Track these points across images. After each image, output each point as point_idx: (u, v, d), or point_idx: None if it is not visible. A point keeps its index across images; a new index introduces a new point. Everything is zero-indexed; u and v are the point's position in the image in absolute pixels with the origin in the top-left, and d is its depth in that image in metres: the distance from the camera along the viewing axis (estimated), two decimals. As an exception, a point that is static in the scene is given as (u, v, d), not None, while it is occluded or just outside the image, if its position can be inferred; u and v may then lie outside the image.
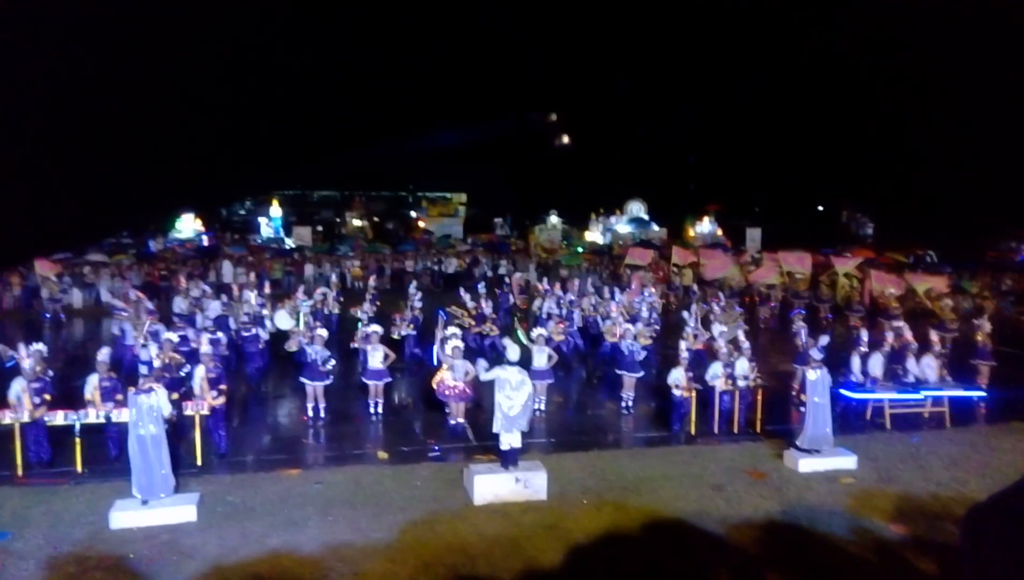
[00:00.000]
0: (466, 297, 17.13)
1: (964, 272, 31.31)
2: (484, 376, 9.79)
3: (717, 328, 15.43)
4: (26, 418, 9.74)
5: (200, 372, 10.54)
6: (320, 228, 50.46)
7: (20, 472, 9.76)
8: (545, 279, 21.92)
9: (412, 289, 18.14)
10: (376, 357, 12.70)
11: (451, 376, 11.71)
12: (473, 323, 16.52)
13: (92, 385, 10.04)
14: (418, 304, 17.17)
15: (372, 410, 12.71)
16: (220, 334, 13.78)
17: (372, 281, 21.88)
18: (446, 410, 12.17)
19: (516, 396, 9.41)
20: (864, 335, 13.84)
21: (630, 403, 13.41)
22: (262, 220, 49.95)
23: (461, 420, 12.06)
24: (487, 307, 16.88)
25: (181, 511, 8.45)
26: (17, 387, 9.87)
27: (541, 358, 12.89)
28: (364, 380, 12.87)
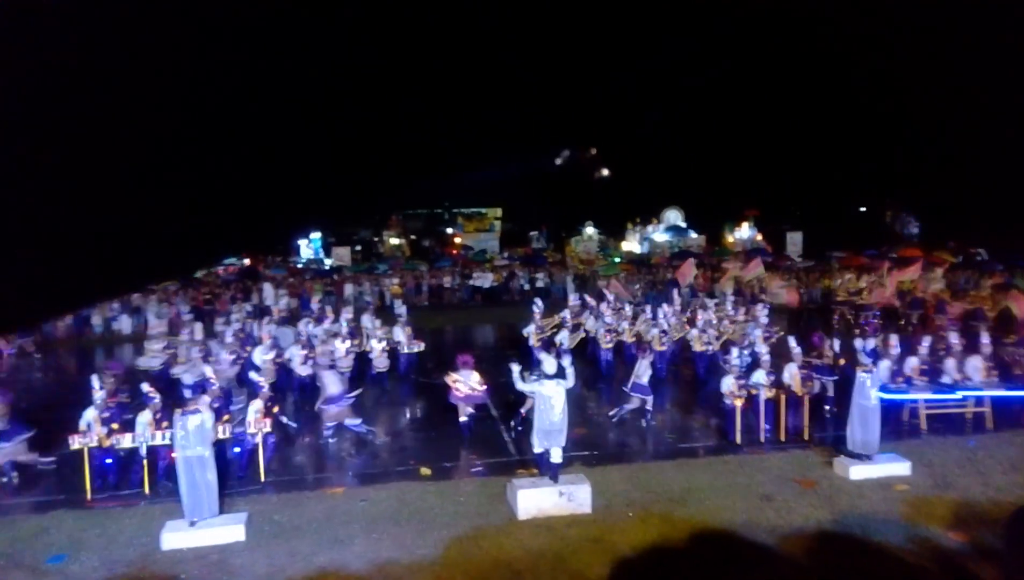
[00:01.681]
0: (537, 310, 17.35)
1: (1016, 269, 30.38)
2: (521, 386, 9.75)
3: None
4: (94, 443, 10.10)
5: (257, 404, 10.86)
6: (359, 248, 51.07)
7: (88, 496, 10.05)
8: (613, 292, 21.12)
9: (399, 306, 18.05)
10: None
11: (463, 383, 12.22)
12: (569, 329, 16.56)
13: (90, 417, 10.26)
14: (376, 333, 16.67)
15: (329, 435, 12.37)
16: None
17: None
18: (458, 411, 12.38)
19: (553, 411, 9.37)
20: (894, 337, 13.56)
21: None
22: (302, 241, 50.80)
23: (467, 418, 12.36)
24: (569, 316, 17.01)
25: (230, 531, 8.59)
26: (89, 416, 10.24)
27: (646, 374, 12.87)
28: (322, 407, 12.56)
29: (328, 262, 43.97)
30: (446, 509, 9.35)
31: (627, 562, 7.85)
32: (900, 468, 10.30)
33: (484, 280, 34.45)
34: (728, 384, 11.96)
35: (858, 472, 10.16)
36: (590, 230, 48.81)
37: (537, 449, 9.49)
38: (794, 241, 44.06)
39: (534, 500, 9.10)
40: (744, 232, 48.72)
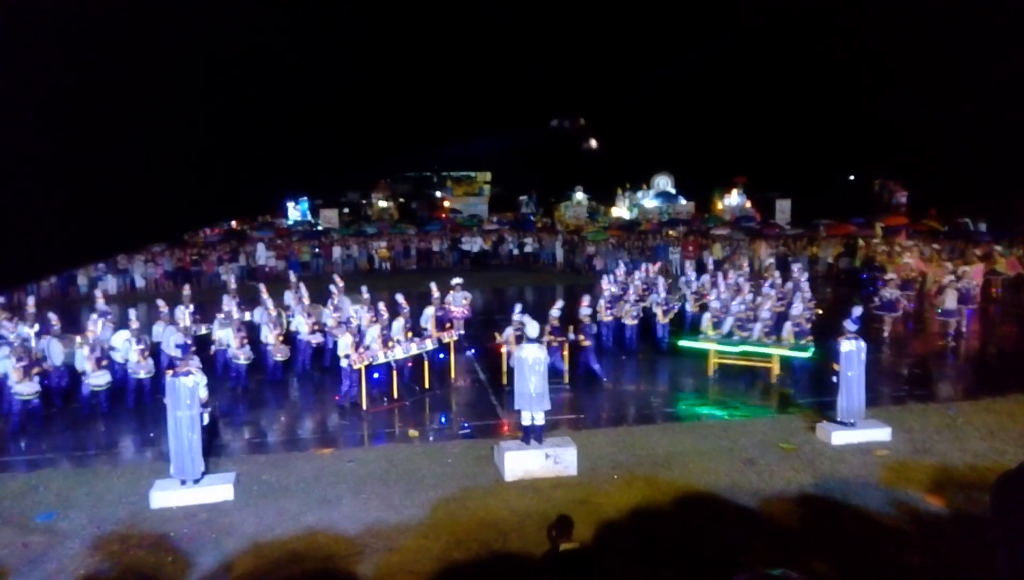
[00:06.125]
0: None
1: (1003, 238, 30.60)
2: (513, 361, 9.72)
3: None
4: (382, 358, 12.13)
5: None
6: (347, 210, 50.62)
7: (365, 406, 11.97)
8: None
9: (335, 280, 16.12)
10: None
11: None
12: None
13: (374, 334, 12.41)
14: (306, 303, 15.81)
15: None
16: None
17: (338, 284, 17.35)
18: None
19: (533, 374, 9.40)
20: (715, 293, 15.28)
21: None
22: (289, 203, 50.23)
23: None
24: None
25: (219, 490, 8.64)
26: (373, 334, 12.33)
27: None
28: None
29: (318, 224, 43.60)
30: (434, 470, 9.44)
31: (612, 523, 7.98)
32: (881, 434, 10.47)
33: (473, 244, 34.32)
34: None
35: (840, 437, 10.33)
36: (579, 196, 48.54)
37: (525, 422, 9.53)
38: (783, 208, 44.04)
39: (521, 462, 9.20)
40: (733, 199, 48.62)
